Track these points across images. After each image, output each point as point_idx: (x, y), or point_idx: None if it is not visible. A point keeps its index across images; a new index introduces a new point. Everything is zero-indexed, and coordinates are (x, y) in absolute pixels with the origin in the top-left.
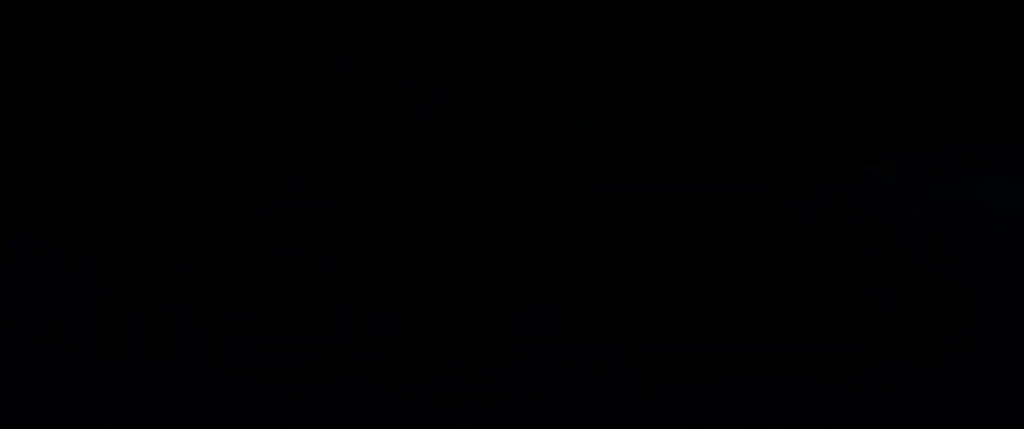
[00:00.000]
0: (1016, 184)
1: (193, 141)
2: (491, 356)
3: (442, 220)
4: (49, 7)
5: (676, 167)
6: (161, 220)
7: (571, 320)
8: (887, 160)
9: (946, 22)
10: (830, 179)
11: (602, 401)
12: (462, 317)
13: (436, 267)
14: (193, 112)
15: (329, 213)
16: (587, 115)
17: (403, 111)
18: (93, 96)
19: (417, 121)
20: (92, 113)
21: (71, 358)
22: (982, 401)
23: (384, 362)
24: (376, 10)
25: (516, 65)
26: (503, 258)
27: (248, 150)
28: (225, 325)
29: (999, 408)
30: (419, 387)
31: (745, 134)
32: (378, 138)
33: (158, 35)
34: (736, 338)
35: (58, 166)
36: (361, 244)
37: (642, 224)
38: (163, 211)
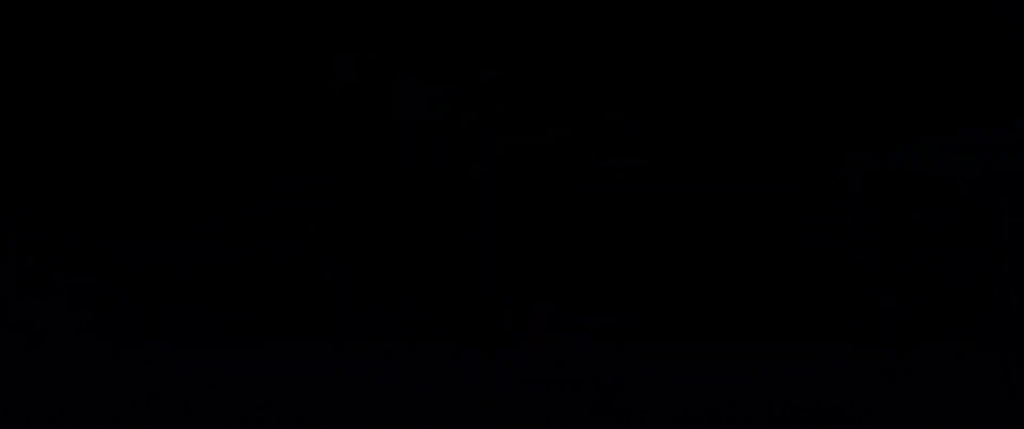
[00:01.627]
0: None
1: (193, 142)
2: (491, 355)
3: (442, 220)
4: (50, 8)
5: (676, 167)
6: (161, 220)
7: (571, 320)
8: (886, 158)
9: (944, 22)
10: (830, 178)
11: (602, 400)
12: (462, 317)
13: (436, 267)
14: (194, 113)
15: (329, 213)
16: (587, 115)
17: (403, 111)
18: (94, 97)
19: (417, 121)
20: (93, 114)
21: (71, 358)
22: (983, 400)
23: (384, 362)
24: (376, 10)
25: (516, 65)
26: (503, 258)
27: (248, 150)
28: (225, 325)
29: (1000, 407)
30: (419, 387)
31: (745, 134)
32: (378, 138)
33: (159, 37)
34: (736, 337)
35: (58, 166)
36: (361, 244)
37: (642, 224)
38: (163, 211)
